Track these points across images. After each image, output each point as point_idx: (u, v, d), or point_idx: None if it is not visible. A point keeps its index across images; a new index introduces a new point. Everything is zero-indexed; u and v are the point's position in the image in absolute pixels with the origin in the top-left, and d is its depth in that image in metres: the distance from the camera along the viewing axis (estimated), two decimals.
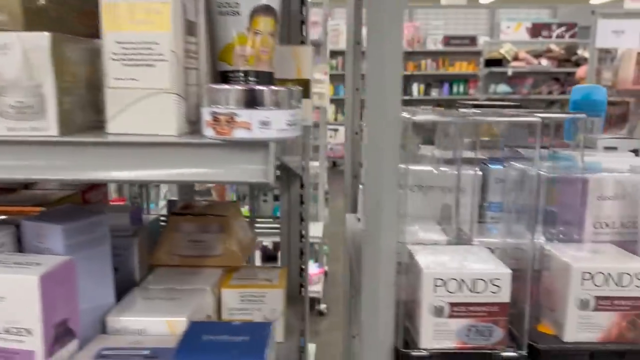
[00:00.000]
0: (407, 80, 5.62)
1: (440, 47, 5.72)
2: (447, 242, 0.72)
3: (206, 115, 0.52)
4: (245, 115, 0.51)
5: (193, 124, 0.57)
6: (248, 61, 0.63)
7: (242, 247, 0.89)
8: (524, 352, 0.61)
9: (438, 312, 0.60)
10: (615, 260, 0.64)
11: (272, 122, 0.52)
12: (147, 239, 0.86)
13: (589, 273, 0.61)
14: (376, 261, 0.59)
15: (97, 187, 0.95)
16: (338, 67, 5.71)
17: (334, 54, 5.60)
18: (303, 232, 1.00)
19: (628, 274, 0.61)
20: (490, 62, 5.39)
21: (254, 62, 0.63)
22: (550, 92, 5.39)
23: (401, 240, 0.69)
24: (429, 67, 5.76)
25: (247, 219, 1.04)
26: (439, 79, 5.75)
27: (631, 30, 2.96)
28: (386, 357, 0.61)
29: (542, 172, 0.65)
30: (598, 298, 0.62)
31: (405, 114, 0.62)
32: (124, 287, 0.77)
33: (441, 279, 0.59)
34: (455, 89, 5.70)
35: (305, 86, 0.71)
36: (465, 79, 5.68)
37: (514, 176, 0.77)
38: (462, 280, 0.59)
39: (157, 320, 0.69)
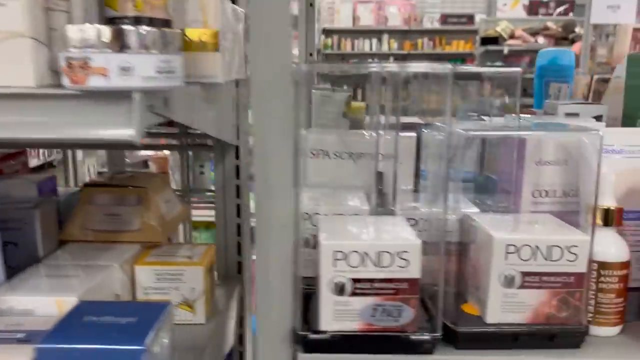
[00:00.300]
0: (404, 60, 5.51)
1: (437, 25, 5.59)
2: (370, 212, 0.64)
3: (61, 60, 0.45)
4: (100, 59, 0.44)
5: None
6: (136, 6, 0.55)
7: (165, 222, 0.82)
8: (438, 335, 0.54)
9: (339, 289, 0.52)
10: (546, 231, 0.56)
11: (135, 69, 0.44)
12: (58, 212, 0.79)
13: (514, 246, 0.54)
14: (266, 235, 0.51)
15: (12, 156, 0.88)
16: (333, 46, 5.60)
17: (329, 32, 5.49)
18: (241, 207, 0.93)
19: (559, 246, 0.54)
20: (486, 41, 5.25)
21: (142, 7, 0.55)
22: None
23: (314, 211, 0.62)
24: (425, 46, 5.64)
25: (180, 193, 0.97)
26: (436, 58, 5.63)
27: (627, 5, 2.85)
28: (283, 340, 0.54)
29: (460, 131, 0.57)
30: (524, 274, 0.54)
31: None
32: (24, 264, 0.71)
33: (341, 252, 0.52)
34: None
35: (213, 38, 0.64)
36: (462, 58, 5.56)
37: (439, 140, 0.70)
38: (366, 254, 0.52)
39: (45, 300, 0.62)
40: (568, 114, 0.90)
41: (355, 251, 0.52)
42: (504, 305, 0.54)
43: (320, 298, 0.53)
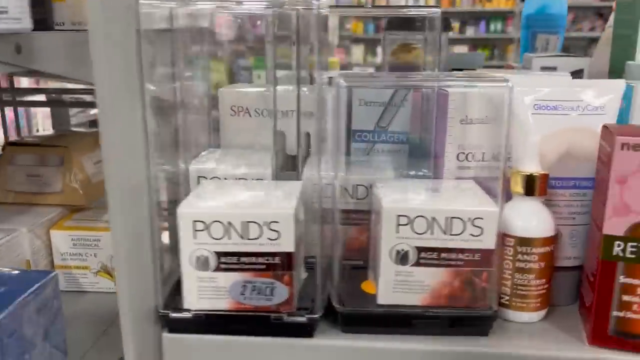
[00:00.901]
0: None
1: None
2: (273, 177, 0.57)
3: None
4: None
5: None
6: None
7: (90, 184, 0.78)
8: (316, 316, 0.47)
9: (202, 264, 0.46)
10: (448, 201, 0.48)
11: None
12: None
13: (406, 217, 0.46)
14: (118, 201, 0.45)
15: None
16: (368, 3, 5.41)
17: None
18: None
19: (460, 218, 0.46)
20: None
21: None
22: (592, 29, 4.92)
23: (212, 175, 0.56)
24: (464, 3, 5.38)
25: None
26: (475, 17, 5.36)
27: None
28: (148, 320, 0.48)
29: (341, 82, 0.49)
30: (420, 249, 0.47)
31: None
32: None
33: (202, 222, 0.46)
34: (492, 27, 5.30)
35: None
36: (502, 16, 5.27)
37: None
38: (230, 224, 0.46)
39: None
40: (544, 68, 0.80)
41: (218, 221, 0.45)
42: (397, 285, 0.47)
43: (182, 273, 0.47)
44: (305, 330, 0.47)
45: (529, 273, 0.49)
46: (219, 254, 0.46)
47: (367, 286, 0.51)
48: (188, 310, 0.47)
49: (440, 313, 0.47)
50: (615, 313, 0.45)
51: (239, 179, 0.56)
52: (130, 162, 0.45)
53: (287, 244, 0.46)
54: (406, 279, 0.47)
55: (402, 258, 0.46)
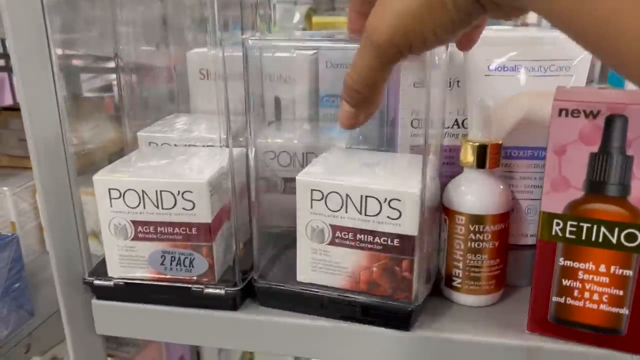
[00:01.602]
0: None
1: None
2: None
3: None
4: None
5: None
6: None
7: (84, 150, 0.79)
8: (236, 289, 0.45)
9: (121, 232, 0.46)
10: (374, 178, 0.44)
11: None
12: None
13: (320, 191, 0.43)
14: (36, 164, 0.45)
15: None
16: None
17: None
18: None
19: (376, 198, 0.42)
20: None
21: None
22: None
23: (162, 142, 0.55)
24: None
25: None
26: None
27: None
28: (76, 286, 0.49)
29: (252, 41, 0.45)
30: (334, 228, 0.43)
31: None
32: None
33: (117, 190, 0.45)
34: None
35: None
36: None
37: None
38: (144, 192, 0.44)
39: None
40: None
41: (132, 189, 0.44)
42: (314, 263, 0.44)
43: (104, 242, 0.46)
44: (226, 303, 0.45)
45: (481, 253, 0.45)
46: (136, 223, 0.45)
47: None
48: (110, 279, 0.46)
49: (351, 299, 0.43)
50: (555, 299, 0.41)
51: (189, 145, 0.54)
52: (46, 125, 0.45)
53: (203, 215, 0.44)
54: (322, 257, 0.44)
55: (318, 235, 0.43)
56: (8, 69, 0.93)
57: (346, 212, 0.42)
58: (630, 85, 0.48)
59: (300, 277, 0.45)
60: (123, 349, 0.77)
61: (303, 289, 0.44)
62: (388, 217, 0.41)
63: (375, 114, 0.40)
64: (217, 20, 0.52)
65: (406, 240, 0.41)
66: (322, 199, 0.43)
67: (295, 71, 0.58)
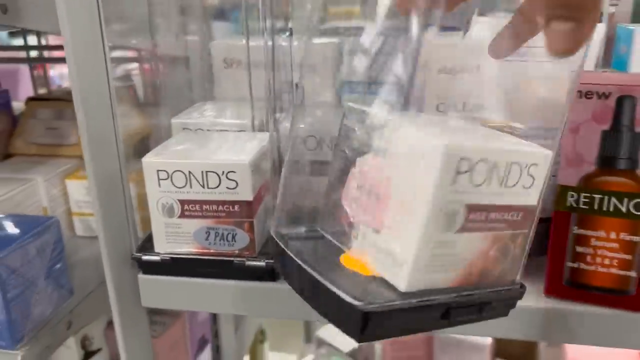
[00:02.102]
0: None
1: None
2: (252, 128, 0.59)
3: None
4: None
5: None
6: None
7: None
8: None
9: (168, 211, 0.49)
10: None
11: None
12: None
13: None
14: (87, 151, 0.49)
15: None
16: None
17: None
18: None
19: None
20: None
21: None
22: None
23: (196, 127, 0.58)
24: None
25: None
26: None
27: None
28: (125, 262, 0.52)
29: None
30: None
31: None
32: None
33: (165, 171, 0.48)
34: None
35: None
36: None
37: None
38: (191, 173, 0.48)
39: None
40: None
41: (180, 171, 0.48)
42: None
43: (151, 220, 0.50)
44: (266, 274, 0.49)
45: None
46: (182, 202, 0.49)
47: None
48: (157, 254, 0.50)
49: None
50: (569, 264, 0.45)
51: (221, 130, 0.58)
52: (98, 113, 0.48)
53: (245, 193, 0.48)
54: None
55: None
56: (29, 60, 0.96)
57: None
58: (633, 69, 0.52)
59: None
60: (150, 327, 0.81)
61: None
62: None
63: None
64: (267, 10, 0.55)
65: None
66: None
67: (317, 58, 0.62)
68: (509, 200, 0.35)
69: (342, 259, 0.37)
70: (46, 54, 1.03)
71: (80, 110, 0.48)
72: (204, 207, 0.49)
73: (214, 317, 0.99)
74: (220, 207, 0.48)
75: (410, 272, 0.32)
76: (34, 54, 0.98)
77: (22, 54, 0.98)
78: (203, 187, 0.48)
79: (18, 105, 0.88)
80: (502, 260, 0.37)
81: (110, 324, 0.82)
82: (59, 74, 1.35)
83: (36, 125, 0.81)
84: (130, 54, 0.73)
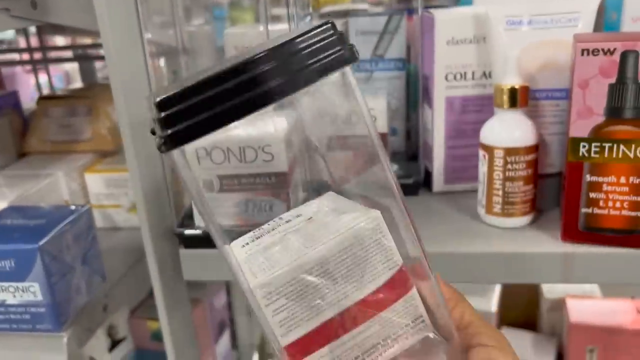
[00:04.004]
0: None
1: None
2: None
3: None
4: None
5: None
6: None
7: (119, 130, 0.84)
8: None
9: (207, 186, 0.52)
10: None
11: None
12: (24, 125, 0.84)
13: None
14: (127, 135, 0.51)
15: None
16: None
17: None
18: None
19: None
20: None
21: None
22: None
23: None
24: None
25: None
26: None
27: None
28: (166, 238, 0.55)
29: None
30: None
31: None
32: None
33: (204, 149, 0.51)
34: None
35: None
36: None
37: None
38: (229, 149, 0.51)
39: None
40: None
41: (218, 147, 0.51)
42: None
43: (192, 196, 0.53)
44: None
45: (518, 180, 0.52)
46: (221, 177, 0.52)
47: None
48: (199, 228, 0.53)
49: None
50: (583, 210, 0.49)
51: None
52: (136, 100, 0.51)
53: (280, 165, 0.51)
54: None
55: None
56: (33, 62, 0.97)
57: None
58: (624, 28, 0.57)
59: None
60: None
61: None
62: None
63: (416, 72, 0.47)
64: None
65: None
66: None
67: None
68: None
69: None
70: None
71: (120, 99, 0.50)
72: (242, 180, 0.52)
73: (229, 305, 1.02)
74: (258, 180, 0.52)
75: None
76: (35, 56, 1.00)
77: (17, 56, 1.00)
78: (240, 161, 0.51)
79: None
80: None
81: (133, 312, 0.85)
82: (61, 74, 1.37)
83: (50, 124, 0.83)
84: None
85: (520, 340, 1.04)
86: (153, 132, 0.28)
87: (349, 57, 0.28)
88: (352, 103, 0.30)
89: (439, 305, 0.34)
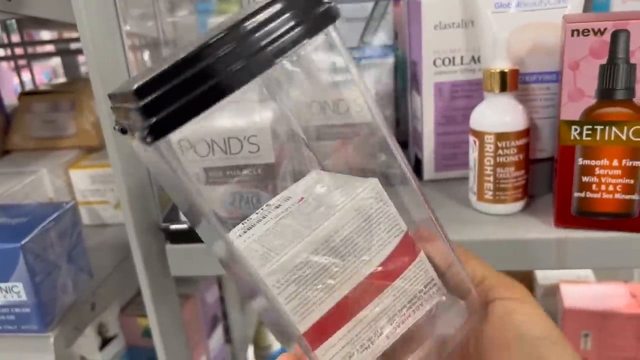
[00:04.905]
0: None
1: None
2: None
3: None
4: None
5: None
6: None
7: None
8: None
9: (194, 180, 0.51)
10: None
11: None
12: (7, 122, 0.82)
13: None
14: (108, 132, 0.50)
15: None
16: None
17: None
18: None
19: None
20: None
21: None
22: None
23: None
24: None
25: None
26: None
27: None
28: (151, 233, 0.54)
29: None
30: None
31: None
32: None
33: (187, 141, 0.50)
34: None
35: None
36: None
37: None
38: (213, 141, 0.50)
39: None
40: None
41: (202, 139, 0.50)
42: None
43: None
44: None
45: (509, 166, 0.52)
46: (207, 169, 0.50)
47: None
48: (185, 222, 0.52)
49: None
50: (576, 194, 0.48)
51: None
52: None
53: (267, 156, 0.50)
54: None
55: None
56: (14, 57, 0.95)
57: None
58: (614, 8, 0.56)
59: None
60: None
61: None
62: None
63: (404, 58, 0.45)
64: None
65: None
66: None
67: None
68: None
69: None
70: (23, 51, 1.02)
71: (99, 93, 0.49)
72: (228, 172, 0.50)
73: (222, 299, 1.01)
74: (244, 172, 0.50)
75: None
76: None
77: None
78: (226, 153, 0.50)
79: None
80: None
81: (123, 310, 0.84)
82: (49, 70, 1.35)
83: (33, 120, 0.81)
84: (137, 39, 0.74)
85: None
86: (123, 131, 0.26)
87: (332, 15, 0.26)
88: (341, 64, 0.29)
89: (452, 263, 0.33)
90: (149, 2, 0.56)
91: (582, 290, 0.95)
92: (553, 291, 1.01)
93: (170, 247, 0.53)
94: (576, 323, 0.93)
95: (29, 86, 1.01)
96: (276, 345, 1.29)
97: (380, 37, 0.67)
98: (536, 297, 1.05)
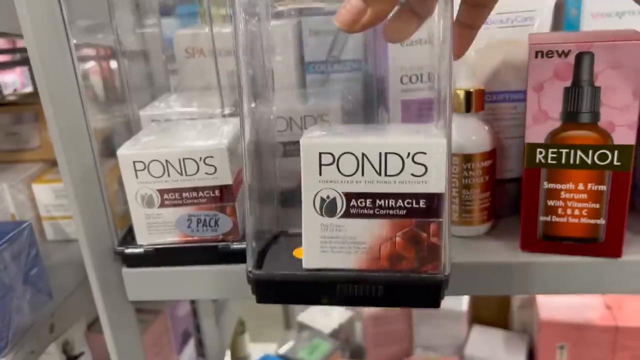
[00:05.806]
0: None
1: None
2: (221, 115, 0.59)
3: None
4: None
5: None
6: None
7: None
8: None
9: (148, 202, 0.49)
10: (389, 134, 0.49)
11: None
12: None
13: (330, 154, 0.48)
14: (59, 150, 0.48)
15: None
16: None
17: None
18: None
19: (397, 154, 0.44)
20: None
21: None
22: None
23: (165, 118, 0.58)
24: None
25: None
26: None
27: None
28: (108, 257, 0.52)
29: None
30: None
31: None
32: None
33: (141, 162, 0.48)
34: None
35: None
36: None
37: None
38: (168, 162, 0.48)
39: None
40: None
41: (157, 160, 0.48)
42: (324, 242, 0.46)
43: (131, 212, 0.50)
44: None
45: (474, 188, 0.50)
46: (162, 191, 0.49)
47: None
48: (140, 246, 0.50)
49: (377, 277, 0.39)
50: (542, 218, 0.47)
51: (191, 119, 0.58)
52: (67, 111, 0.48)
53: (224, 177, 0.48)
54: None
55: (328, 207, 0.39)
56: None
57: (362, 175, 0.38)
58: (584, 25, 0.55)
59: (308, 263, 0.40)
60: None
61: (310, 275, 0.40)
62: (412, 174, 0.37)
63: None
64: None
65: (433, 200, 0.37)
66: (333, 162, 0.38)
67: (278, 40, 0.63)
68: (396, 188, 0.37)
69: (295, 251, 0.44)
70: None
71: (49, 110, 0.47)
72: (184, 194, 0.49)
73: (195, 312, 0.99)
74: (201, 194, 0.49)
75: (305, 252, 0.40)
76: None
77: None
78: (181, 174, 0.48)
79: None
80: (413, 247, 0.38)
81: (90, 326, 0.81)
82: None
83: None
84: (90, 50, 0.72)
85: (491, 338, 1.03)
86: None
87: None
88: None
89: None
90: (102, 12, 0.54)
91: (558, 302, 0.94)
92: (529, 303, 1.00)
93: (126, 271, 0.51)
94: (552, 335, 0.92)
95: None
96: (255, 355, 1.27)
97: (349, 51, 0.65)
98: (512, 309, 1.04)
